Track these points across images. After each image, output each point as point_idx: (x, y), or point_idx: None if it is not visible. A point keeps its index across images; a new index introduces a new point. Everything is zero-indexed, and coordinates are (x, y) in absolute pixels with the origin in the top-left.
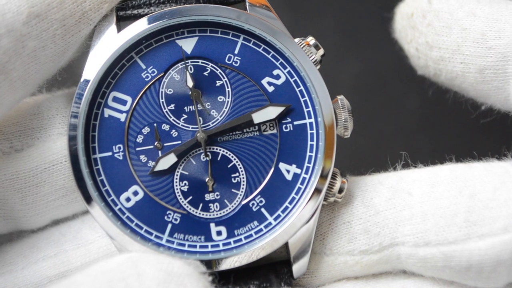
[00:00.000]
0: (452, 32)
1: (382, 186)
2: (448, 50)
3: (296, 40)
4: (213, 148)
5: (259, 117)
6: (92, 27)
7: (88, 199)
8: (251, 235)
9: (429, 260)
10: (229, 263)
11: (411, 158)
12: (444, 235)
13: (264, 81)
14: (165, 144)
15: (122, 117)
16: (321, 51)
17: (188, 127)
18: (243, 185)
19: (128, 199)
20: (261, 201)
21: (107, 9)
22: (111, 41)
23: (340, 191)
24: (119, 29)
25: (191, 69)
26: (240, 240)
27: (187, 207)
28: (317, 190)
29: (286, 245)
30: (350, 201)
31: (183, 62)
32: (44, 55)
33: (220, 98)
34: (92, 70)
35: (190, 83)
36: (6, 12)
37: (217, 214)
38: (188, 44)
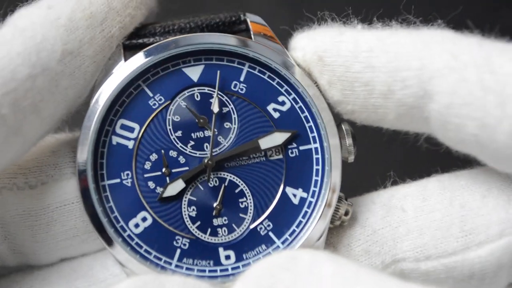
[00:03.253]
0: (355, 87)
1: (375, 205)
2: (356, 103)
3: None
4: (221, 174)
5: (265, 143)
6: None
7: (97, 226)
8: (259, 259)
9: (432, 273)
10: None
11: (385, 171)
12: (443, 247)
13: (269, 107)
14: (173, 170)
15: (130, 144)
16: None
17: (196, 153)
18: (251, 209)
19: (136, 225)
20: (268, 225)
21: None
22: (119, 70)
23: (346, 214)
24: (126, 57)
25: (197, 97)
26: (249, 264)
27: (196, 232)
28: (324, 213)
29: None
30: (346, 223)
31: (190, 90)
32: (74, 92)
33: (227, 125)
34: (100, 98)
35: (216, 109)
36: (41, 50)
37: (225, 239)
38: (194, 72)
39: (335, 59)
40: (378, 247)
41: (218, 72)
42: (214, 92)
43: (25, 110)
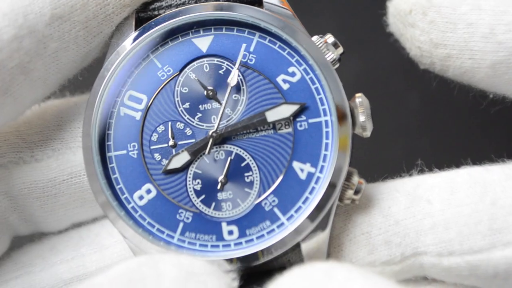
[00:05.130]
0: (457, 28)
1: (398, 193)
2: (455, 46)
3: (314, 38)
4: (227, 147)
5: (272, 115)
6: (113, 28)
7: (101, 198)
8: (263, 235)
9: (454, 269)
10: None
11: (412, 157)
12: (469, 244)
13: (279, 79)
14: (179, 143)
15: (138, 115)
16: (340, 50)
17: (202, 126)
18: (256, 184)
19: (141, 198)
20: (274, 201)
21: (129, 12)
22: (128, 40)
23: (357, 192)
24: (136, 29)
25: (206, 68)
26: (252, 240)
27: (200, 206)
28: (332, 190)
29: (298, 245)
30: (367, 210)
31: (199, 61)
32: (66, 56)
33: (235, 97)
34: (108, 68)
35: (234, 82)
36: (29, 13)
37: (229, 214)
38: (203, 43)
39: (443, 1)
40: (399, 239)
41: (243, 45)
42: (223, 62)
43: (12, 71)
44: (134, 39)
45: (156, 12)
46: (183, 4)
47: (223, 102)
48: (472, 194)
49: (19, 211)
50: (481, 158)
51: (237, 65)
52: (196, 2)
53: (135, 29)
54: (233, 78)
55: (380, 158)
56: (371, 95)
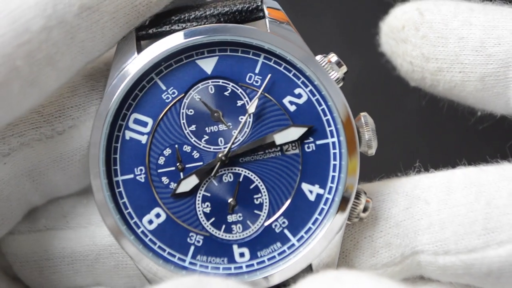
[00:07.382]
0: (448, 42)
1: (397, 195)
2: (446, 60)
3: (318, 57)
4: (235, 169)
5: (281, 138)
6: (140, 20)
7: (110, 222)
8: (274, 257)
9: (449, 268)
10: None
11: (410, 158)
12: (464, 243)
13: (285, 101)
14: (186, 166)
15: (143, 139)
16: (344, 69)
17: (210, 148)
18: (266, 206)
19: (150, 222)
20: (283, 222)
21: (156, 3)
22: (131, 62)
23: (365, 210)
24: (139, 49)
25: (211, 90)
26: (263, 262)
27: (210, 229)
28: (341, 211)
29: (310, 266)
30: (365, 220)
31: (204, 82)
32: (91, 45)
33: (241, 118)
34: (112, 91)
35: (252, 110)
36: (58, 3)
37: (240, 236)
38: (208, 64)
39: (435, 17)
40: (399, 240)
41: (269, 76)
42: (228, 84)
43: (40, 62)
44: (138, 62)
45: (156, 30)
46: (183, 22)
47: (237, 129)
48: (467, 194)
49: (41, 188)
50: (476, 159)
51: (259, 94)
52: (196, 20)
53: (137, 50)
54: (252, 105)
55: (377, 158)
56: (369, 96)
